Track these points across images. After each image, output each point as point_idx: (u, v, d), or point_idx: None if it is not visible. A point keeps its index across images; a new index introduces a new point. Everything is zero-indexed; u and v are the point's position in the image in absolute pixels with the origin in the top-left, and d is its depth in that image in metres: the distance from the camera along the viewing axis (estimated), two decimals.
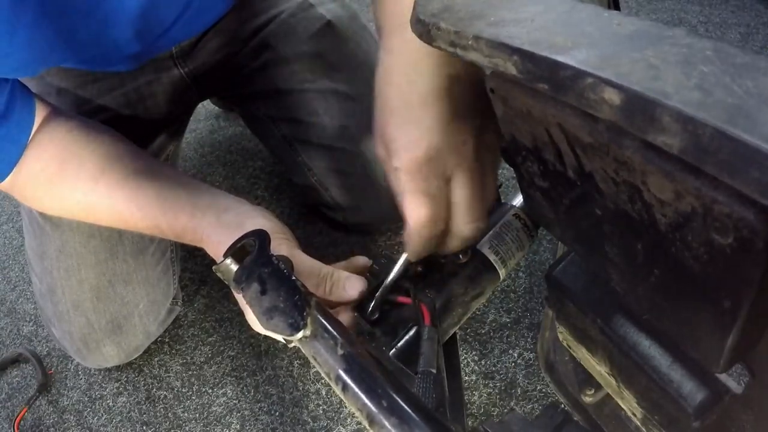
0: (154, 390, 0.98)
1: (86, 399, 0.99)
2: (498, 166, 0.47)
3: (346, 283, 0.52)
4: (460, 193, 0.44)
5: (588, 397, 0.54)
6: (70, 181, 0.66)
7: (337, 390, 0.39)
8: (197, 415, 0.93)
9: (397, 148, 0.43)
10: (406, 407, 0.36)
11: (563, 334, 0.49)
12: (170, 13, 0.73)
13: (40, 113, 0.67)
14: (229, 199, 0.64)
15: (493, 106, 0.36)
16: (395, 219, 0.46)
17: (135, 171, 0.67)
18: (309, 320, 0.40)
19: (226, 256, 0.44)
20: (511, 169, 0.41)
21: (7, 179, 0.66)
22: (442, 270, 0.50)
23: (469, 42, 0.29)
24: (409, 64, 0.42)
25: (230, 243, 0.45)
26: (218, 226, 0.60)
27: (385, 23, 0.45)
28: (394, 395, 0.37)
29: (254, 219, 0.58)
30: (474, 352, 0.90)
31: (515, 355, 0.89)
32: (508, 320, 0.93)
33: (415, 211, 0.43)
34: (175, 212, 0.63)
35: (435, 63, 0.41)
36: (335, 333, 0.40)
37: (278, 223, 0.60)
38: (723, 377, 0.35)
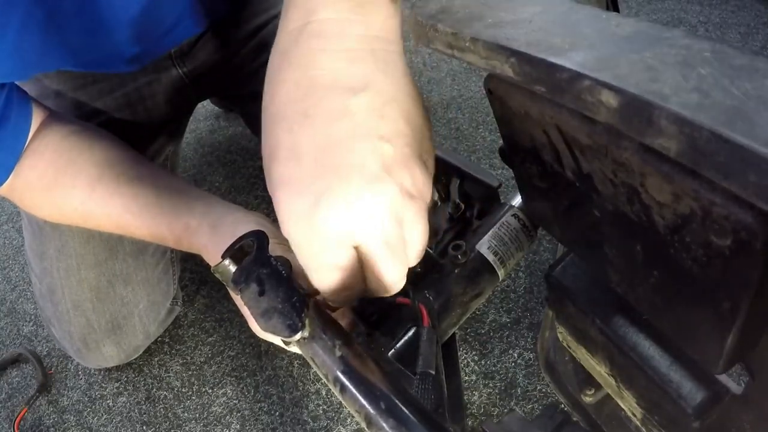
0: (154, 390, 0.98)
1: (86, 399, 0.99)
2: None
3: None
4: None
5: (588, 397, 0.54)
6: (66, 188, 0.66)
7: (336, 391, 0.39)
8: (197, 415, 0.93)
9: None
10: (404, 409, 0.36)
11: (563, 335, 0.49)
12: (170, 16, 0.73)
13: (36, 118, 0.66)
14: (225, 206, 0.64)
15: (491, 106, 0.36)
16: None
17: (132, 178, 0.66)
18: (307, 321, 0.40)
19: (224, 256, 0.44)
20: (511, 169, 0.41)
21: (4, 186, 0.65)
22: (441, 271, 0.50)
23: (467, 44, 0.29)
24: None
25: None
26: (215, 235, 0.60)
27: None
28: (393, 397, 0.36)
29: (249, 225, 0.58)
30: (474, 352, 0.90)
31: (515, 355, 0.89)
32: (508, 320, 0.93)
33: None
34: (171, 221, 0.63)
35: None
36: (333, 334, 0.40)
37: (274, 227, 0.60)
38: (723, 378, 0.35)
